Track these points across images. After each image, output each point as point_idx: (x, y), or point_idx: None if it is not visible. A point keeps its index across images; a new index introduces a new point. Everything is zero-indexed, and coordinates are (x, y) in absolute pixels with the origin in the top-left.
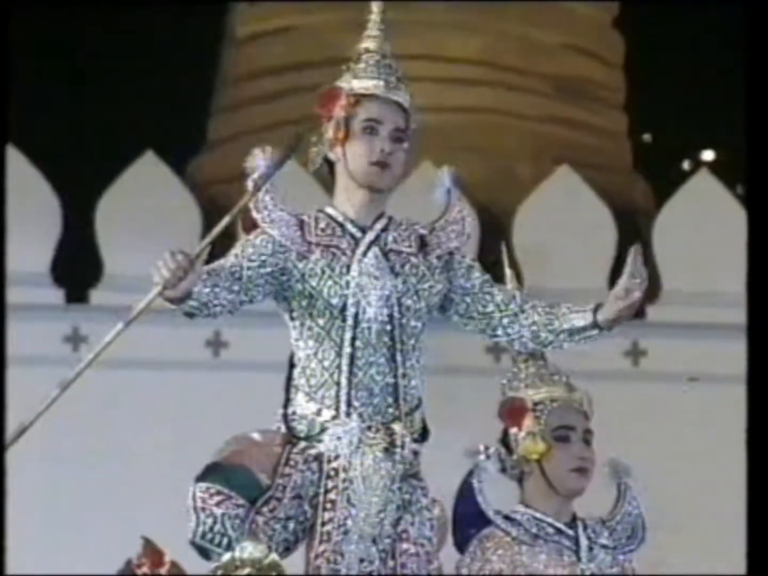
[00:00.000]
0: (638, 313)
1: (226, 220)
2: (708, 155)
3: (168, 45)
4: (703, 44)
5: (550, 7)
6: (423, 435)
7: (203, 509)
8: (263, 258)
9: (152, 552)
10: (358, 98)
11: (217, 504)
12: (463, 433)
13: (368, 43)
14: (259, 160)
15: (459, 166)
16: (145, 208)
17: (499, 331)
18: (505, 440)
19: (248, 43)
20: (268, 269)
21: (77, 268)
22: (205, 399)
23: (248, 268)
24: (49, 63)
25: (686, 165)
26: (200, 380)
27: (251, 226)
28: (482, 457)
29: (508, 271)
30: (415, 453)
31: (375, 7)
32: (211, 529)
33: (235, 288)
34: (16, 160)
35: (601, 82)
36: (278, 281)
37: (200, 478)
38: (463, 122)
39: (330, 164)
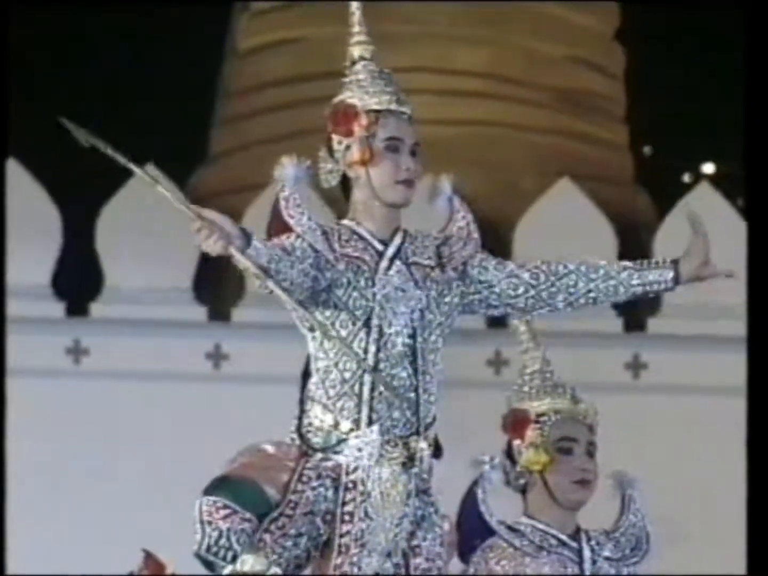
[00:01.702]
0: (639, 325)
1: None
2: (708, 168)
3: (170, 57)
4: (703, 57)
5: (552, 20)
6: (437, 451)
7: (209, 522)
8: (305, 250)
9: (153, 564)
10: (377, 115)
11: (223, 518)
12: (463, 446)
13: (360, 50)
14: (289, 168)
15: (462, 178)
16: (146, 221)
17: (540, 306)
18: (509, 452)
19: (251, 55)
20: (311, 260)
21: (78, 280)
22: (205, 411)
23: (300, 248)
24: (50, 76)
25: (687, 178)
26: (201, 392)
27: (280, 232)
28: (487, 467)
29: None
30: (430, 468)
31: (354, 8)
32: (217, 542)
33: (297, 257)
34: (16, 173)
35: (603, 94)
36: (316, 279)
37: (207, 491)
38: (466, 135)
39: (343, 180)
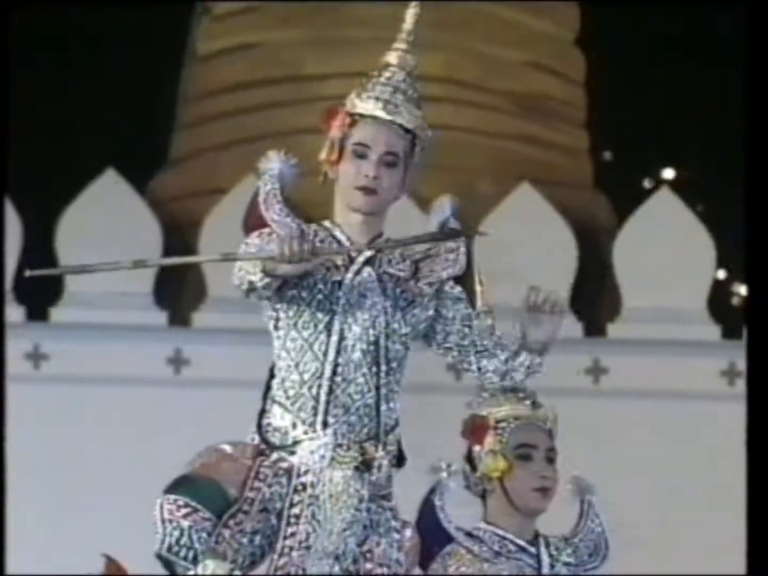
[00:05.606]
0: (599, 330)
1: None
2: (668, 173)
3: (130, 61)
4: (663, 63)
5: (511, 25)
6: (399, 460)
7: (170, 521)
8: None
9: (114, 569)
10: (355, 118)
11: (185, 516)
12: (422, 451)
13: (390, 57)
14: (274, 162)
15: (420, 183)
16: (106, 225)
17: (471, 365)
18: (469, 457)
19: (210, 59)
20: None
21: (38, 285)
22: (166, 416)
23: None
24: (7, 81)
25: (647, 183)
26: (161, 397)
27: (255, 225)
28: (444, 474)
29: (478, 288)
30: (389, 476)
31: (409, 17)
32: (178, 541)
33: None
34: None
35: (562, 99)
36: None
37: (168, 490)
38: None
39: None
